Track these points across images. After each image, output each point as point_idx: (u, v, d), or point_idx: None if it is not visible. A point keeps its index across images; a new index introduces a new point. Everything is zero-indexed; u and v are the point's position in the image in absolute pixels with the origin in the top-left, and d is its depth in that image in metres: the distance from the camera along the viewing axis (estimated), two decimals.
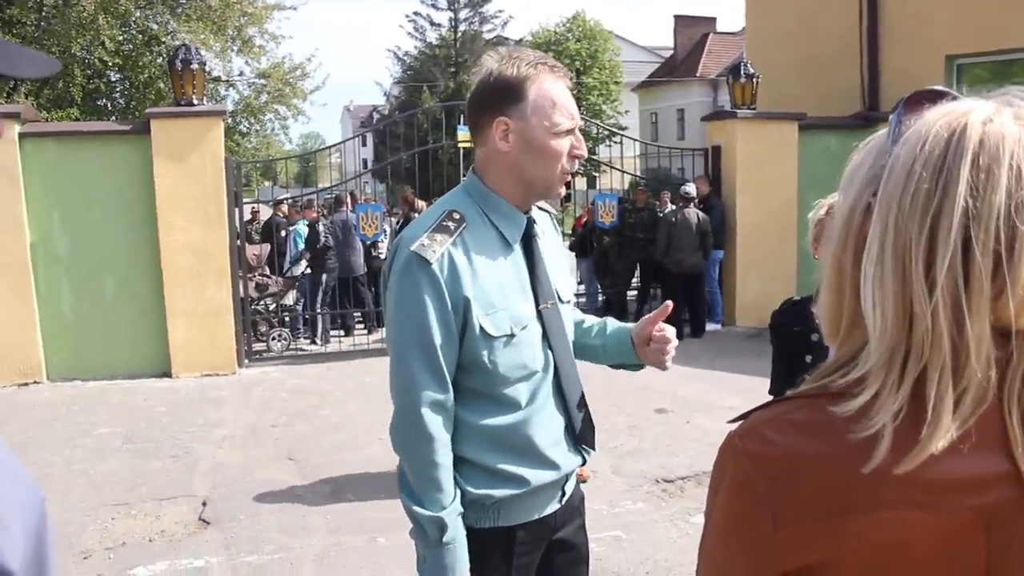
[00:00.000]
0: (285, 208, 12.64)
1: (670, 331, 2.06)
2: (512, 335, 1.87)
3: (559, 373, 1.97)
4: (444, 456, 1.83)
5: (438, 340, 1.80)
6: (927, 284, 0.83)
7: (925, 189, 0.84)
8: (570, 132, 1.89)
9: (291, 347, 10.20)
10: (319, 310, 10.71)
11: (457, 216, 1.87)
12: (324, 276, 10.77)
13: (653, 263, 11.76)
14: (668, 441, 6.23)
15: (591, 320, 2.23)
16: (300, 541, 4.69)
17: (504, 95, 1.85)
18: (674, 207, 10.66)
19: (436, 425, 1.81)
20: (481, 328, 1.83)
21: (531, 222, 1.97)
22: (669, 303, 2.07)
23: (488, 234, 1.90)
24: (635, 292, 11.89)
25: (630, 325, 2.16)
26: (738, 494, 0.90)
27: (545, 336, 1.94)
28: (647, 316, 2.10)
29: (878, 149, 0.93)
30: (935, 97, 0.91)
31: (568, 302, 2.08)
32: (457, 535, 1.83)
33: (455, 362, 1.85)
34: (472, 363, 1.85)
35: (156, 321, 8.65)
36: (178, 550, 4.63)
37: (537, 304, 1.94)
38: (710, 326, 10.48)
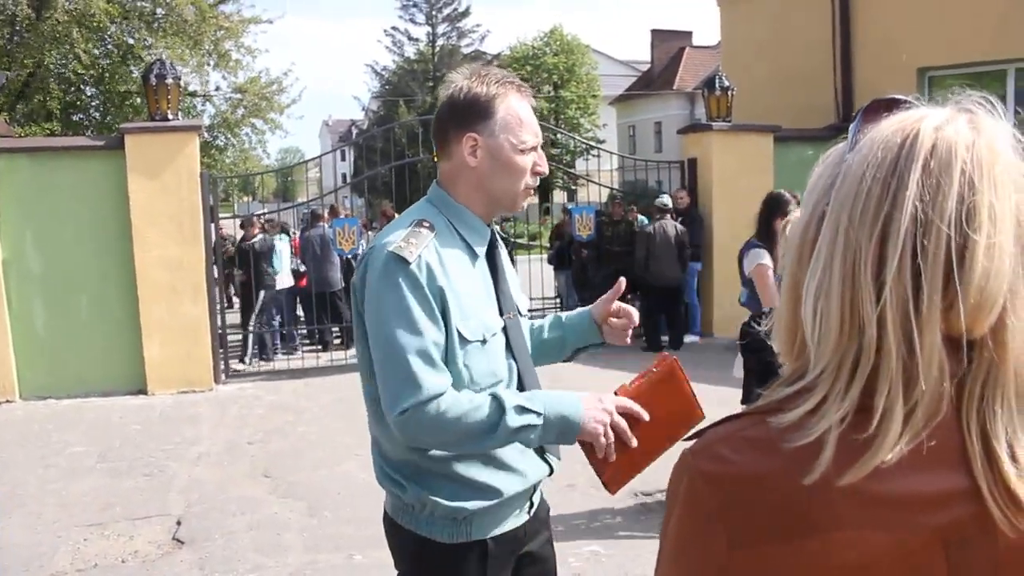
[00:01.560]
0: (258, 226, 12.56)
1: (630, 308, 2.13)
2: (484, 340, 1.89)
3: (522, 382, 1.99)
4: (475, 405, 1.79)
5: (430, 333, 1.80)
6: (875, 291, 0.81)
7: (876, 195, 0.82)
8: (534, 149, 1.95)
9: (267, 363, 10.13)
10: (250, 328, 10.53)
11: (427, 224, 1.90)
12: (261, 293, 10.64)
13: (631, 275, 11.80)
14: None
15: (539, 321, 2.26)
16: (275, 560, 4.63)
17: (474, 112, 1.90)
18: (646, 220, 10.70)
19: (455, 406, 1.78)
20: (458, 331, 1.85)
21: (494, 234, 2.02)
22: (622, 280, 2.17)
23: (456, 243, 1.93)
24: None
25: (585, 308, 2.22)
26: (691, 514, 0.87)
27: (508, 347, 1.97)
28: (605, 295, 2.16)
29: (835, 159, 0.91)
30: (893, 105, 0.90)
31: (524, 316, 2.12)
32: (535, 401, 1.82)
33: (445, 351, 1.83)
34: (447, 368, 1.84)
35: (131, 338, 8.57)
36: (152, 571, 4.56)
37: (501, 314, 1.98)
38: (688, 338, 10.50)
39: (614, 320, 2.15)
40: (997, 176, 0.81)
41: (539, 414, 1.80)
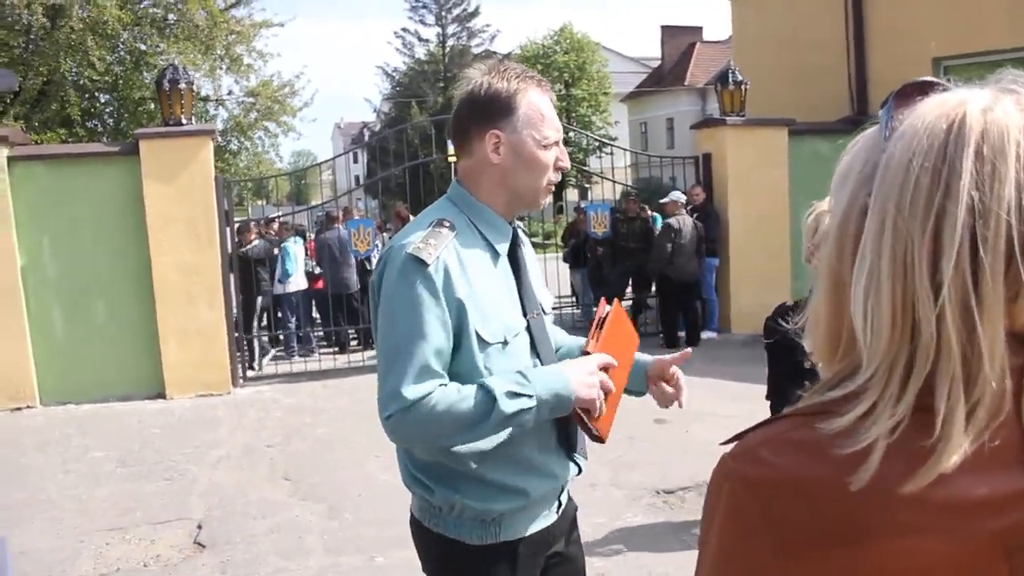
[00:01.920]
0: (276, 226, 12.60)
1: (682, 382, 2.10)
2: (506, 342, 1.87)
3: None
4: (462, 397, 1.76)
5: (435, 341, 1.77)
6: (932, 288, 0.77)
7: (926, 186, 0.78)
8: (556, 144, 1.92)
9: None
10: (254, 333, 10.48)
11: (448, 224, 1.87)
12: (259, 299, 10.62)
13: (648, 272, 11.75)
14: (667, 451, 6.19)
15: (573, 341, 2.21)
16: (297, 563, 4.63)
17: (495, 108, 1.88)
18: (658, 218, 10.67)
19: (443, 400, 1.75)
20: (477, 334, 1.82)
21: (516, 232, 1.99)
22: (688, 350, 2.16)
23: (477, 243, 1.90)
24: (629, 302, 11.85)
25: (647, 358, 2.15)
26: (735, 522, 0.83)
27: (533, 346, 1.95)
28: (667, 357, 2.11)
29: (869, 147, 0.87)
30: (925, 88, 0.85)
31: (548, 315, 2.08)
32: (524, 383, 1.79)
33: (450, 362, 1.82)
34: (468, 372, 1.82)
35: (149, 342, 8.60)
36: (174, 574, 4.57)
37: (524, 313, 1.95)
38: (706, 334, 10.45)
39: (665, 386, 2.10)
40: None
41: (531, 396, 1.78)
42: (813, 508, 0.79)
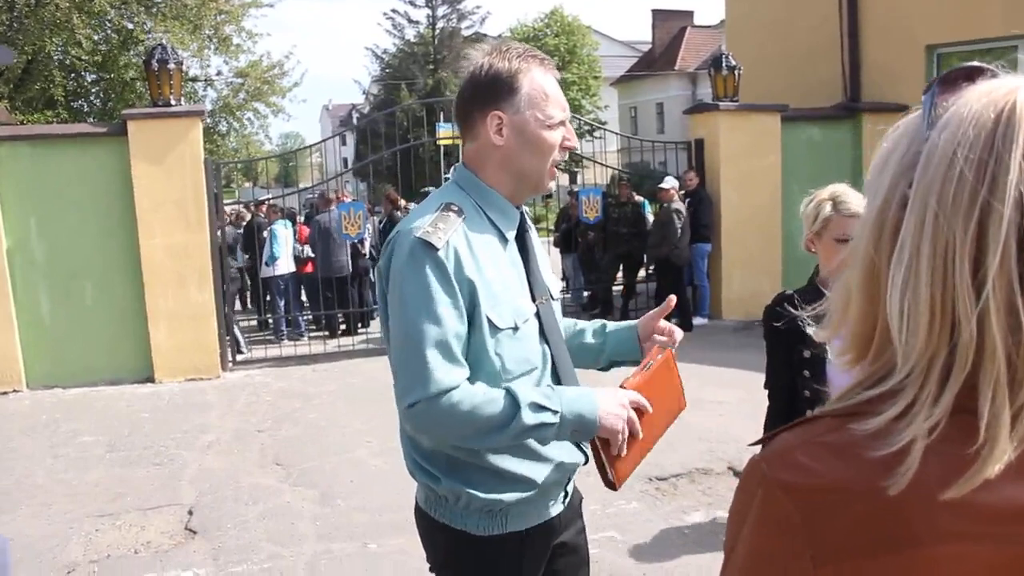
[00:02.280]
0: (264, 209, 12.51)
1: (674, 328, 2.06)
2: (516, 327, 1.83)
3: (556, 368, 1.94)
4: (489, 399, 1.73)
5: (451, 324, 1.73)
6: (974, 286, 0.73)
7: (970, 179, 0.74)
8: (562, 124, 1.88)
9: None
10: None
11: (456, 208, 1.83)
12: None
13: (639, 258, 11.73)
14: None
15: (583, 323, 2.19)
16: (290, 549, 4.60)
17: (497, 88, 1.83)
18: (647, 203, 10.63)
19: (468, 399, 1.72)
20: (488, 319, 1.78)
21: (524, 216, 1.96)
22: (672, 297, 2.09)
23: (485, 227, 1.86)
24: (620, 287, 11.84)
25: (631, 322, 2.13)
26: (769, 528, 0.80)
27: (542, 331, 1.92)
28: (651, 312, 2.09)
29: (911, 134, 0.82)
30: (973, 75, 0.81)
31: (557, 300, 2.05)
32: (552, 398, 1.76)
33: (467, 347, 1.78)
34: (477, 359, 1.79)
35: (137, 326, 8.53)
36: (165, 561, 4.53)
37: (533, 299, 1.91)
38: (697, 320, 10.45)
39: (658, 338, 2.06)
40: None
41: (555, 412, 1.75)
42: (854, 515, 0.76)
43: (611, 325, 2.16)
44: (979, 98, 0.78)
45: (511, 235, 1.91)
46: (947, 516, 0.74)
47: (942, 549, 0.74)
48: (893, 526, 0.75)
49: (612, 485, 1.86)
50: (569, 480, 2.02)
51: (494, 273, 1.82)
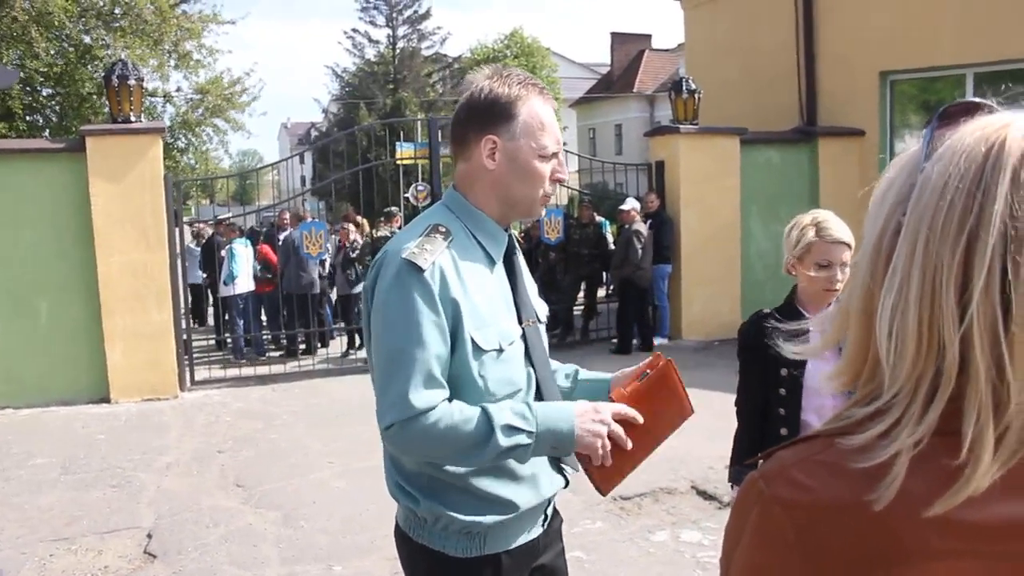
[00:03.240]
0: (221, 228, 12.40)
1: None
2: (501, 350, 1.84)
3: (541, 391, 1.95)
4: (465, 419, 1.74)
5: (433, 346, 1.74)
6: (958, 311, 0.76)
7: (959, 209, 0.77)
8: (554, 156, 1.89)
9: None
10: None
11: (443, 230, 1.84)
12: None
13: (599, 279, 11.80)
14: None
15: (557, 364, 2.17)
16: (252, 572, 4.53)
17: (495, 113, 1.84)
18: (607, 223, 10.69)
19: (445, 419, 1.73)
20: (473, 341, 1.79)
21: (512, 239, 1.97)
22: (659, 352, 2.04)
23: (473, 249, 1.87)
24: (581, 307, 11.89)
25: (608, 375, 2.11)
26: (766, 544, 0.81)
27: (527, 354, 1.92)
28: (628, 369, 2.05)
29: (910, 166, 0.86)
30: (971, 109, 0.84)
31: (543, 323, 2.06)
32: (527, 418, 1.76)
33: (448, 370, 1.79)
34: (461, 380, 1.80)
35: (93, 345, 8.38)
36: None
37: (520, 321, 1.92)
38: (657, 340, 10.52)
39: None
40: None
41: (530, 433, 1.76)
42: (846, 532, 0.78)
43: (584, 374, 2.15)
44: (972, 132, 0.81)
45: (499, 258, 1.92)
46: (936, 533, 0.76)
47: (932, 566, 0.76)
48: (883, 543, 0.77)
49: (598, 490, 1.87)
50: (549, 503, 2.02)
51: (480, 295, 1.83)
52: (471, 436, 1.73)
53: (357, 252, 11.02)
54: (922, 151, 0.85)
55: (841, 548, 0.78)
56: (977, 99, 0.86)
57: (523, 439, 1.75)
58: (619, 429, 1.81)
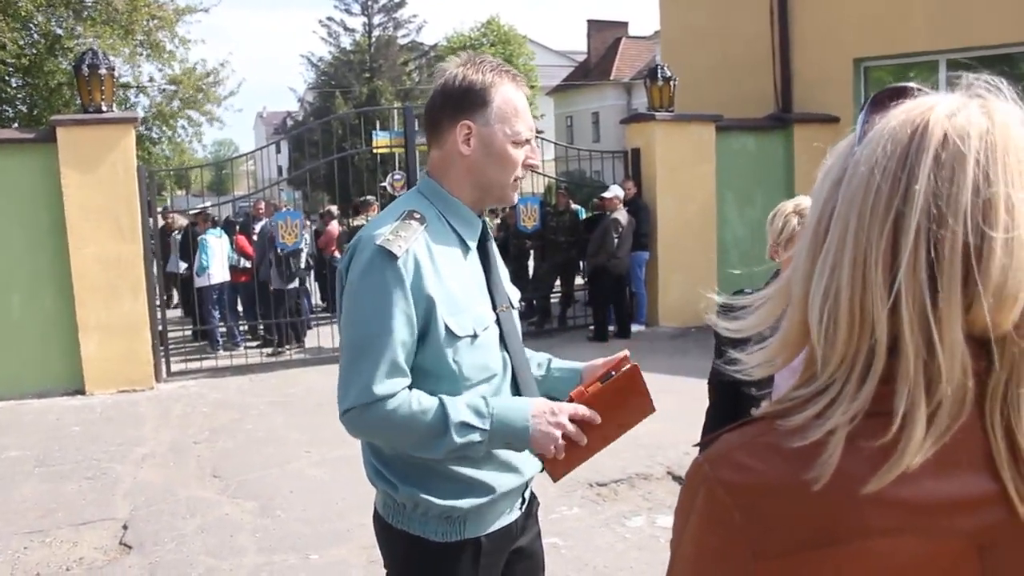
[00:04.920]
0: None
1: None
2: (475, 335, 1.85)
3: (516, 376, 1.96)
4: (423, 409, 1.76)
5: (401, 335, 1.76)
6: (887, 290, 0.78)
7: (886, 191, 0.79)
8: (527, 142, 1.91)
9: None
10: None
11: (418, 216, 1.85)
12: None
13: (575, 266, 11.81)
14: None
15: (532, 353, 2.18)
16: (229, 562, 4.52)
17: (469, 99, 1.86)
18: (583, 211, 10.71)
19: (403, 407, 1.76)
20: (447, 327, 1.81)
21: (485, 225, 1.98)
22: (625, 352, 2.01)
23: (447, 235, 1.89)
24: (558, 296, 11.91)
25: (579, 365, 2.12)
26: (712, 527, 0.83)
27: (502, 339, 1.94)
28: (602, 361, 2.03)
29: (845, 152, 0.87)
30: (900, 94, 0.86)
31: (516, 308, 2.08)
32: (483, 415, 1.78)
33: (415, 357, 1.81)
34: (436, 367, 1.82)
35: (67, 337, 8.31)
36: None
37: (494, 307, 1.94)
38: (634, 327, 10.56)
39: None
40: (1013, 165, 0.77)
41: (483, 431, 1.78)
42: (787, 512, 0.79)
43: (557, 364, 2.16)
44: (899, 115, 0.82)
45: (473, 244, 1.93)
46: (874, 511, 0.77)
47: (871, 543, 0.77)
48: (824, 522, 0.78)
49: (550, 475, 1.90)
50: (527, 486, 2.04)
51: (454, 281, 1.85)
52: (428, 427, 1.76)
53: (288, 249, 10.81)
54: (856, 137, 0.86)
55: (784, 528, 0.79)
56: (905, 84, 0.87)
57: (476, 436, 1.78)
58: (574, 429, 1.82)
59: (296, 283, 10.82)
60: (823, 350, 0.82)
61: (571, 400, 1.87)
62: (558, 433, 1.80)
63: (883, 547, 0.77)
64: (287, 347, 10.41)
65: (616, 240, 10.05)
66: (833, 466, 0.77)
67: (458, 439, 1.76)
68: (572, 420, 1.82)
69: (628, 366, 1.93)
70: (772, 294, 0.92)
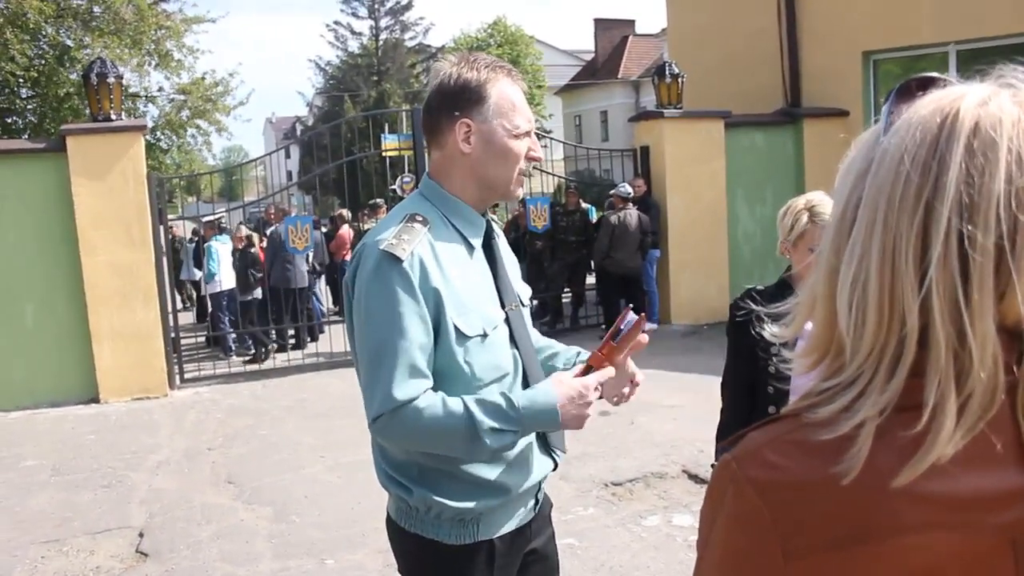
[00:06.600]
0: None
1: (639, 374, 2.04)
2: (485, 335, 1.85)
3: (527, 375, 1.95)
4: (448, 412, 1.75)
5: (417, 337, 1.75)
6: (917, 280, 0.77)
7: (916, 180, 0.77)
8: (527, 134, 1.90)
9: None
10: None
11: (420, 218, 1.84)
12: None
13: (586, 265, 11.79)
14: (614, 443, 6.21)
15: (560, 347, 2.18)
16: (245, 569, 4.52)
17: (466, 97, 1.85)
18: (593, 210, 10.67)
19: (428, 409, 1.74)
20: (456, 328, 1.80)
21: (490, 224, 1.97)
22: (628, 307, 2.08)
23: (451, 236, 1.88)
24: (568, 295, 11.89)
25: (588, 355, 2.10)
26: (741, 526, 0.81)
27: (512, 338, 1.93)
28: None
29: (869, 143, 0.86)
30: (927, 84, 0.85)
31: (527, 306, 2.07)
32: (510, 417, 1.77)
33: (433, 359, 1.80)
34: (447, 368, 1.81)
35: (81, 346, 8.34)
36: None
37: (503, 306, 1.93)
38: (647, 325, 10.51)
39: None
40: None
41: (515, 432, 1.78)
42: (821, 509, 0.78)
43: (565, 354, 2.15)
44: (928, 105, 0.81)
45: (477, 243, 1.93)
46: (906, 506, 0.76)
47: (904, 540, 0.76)
48: (854, 517, 0.77)
49: None
50: (539, 487, 2.03)
51: (461, 281, 1.84)
52: (458, 431, 1.74)
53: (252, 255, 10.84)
54: (881, 127, 0.85)
55: (815, 526, 0.78)
56: (933, 74, 0.86)
57: (508, 439, 1.78)
58: (597, 396, 1.87)
59: (304, 282, 10.86)
60: (852, 341, 0.81)
61: (589, 367, 1.88)
62: (588, 411, 1.83)
63: (916, 544, 0.76)
64: (300, 349, 10.43)
65: (607, 241, 10.04)
66: (863, 459, 0.76)
67: (494, 444, 1.76)
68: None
69: (632, 319, 1.95)
70: (804, 296, 0.91)
